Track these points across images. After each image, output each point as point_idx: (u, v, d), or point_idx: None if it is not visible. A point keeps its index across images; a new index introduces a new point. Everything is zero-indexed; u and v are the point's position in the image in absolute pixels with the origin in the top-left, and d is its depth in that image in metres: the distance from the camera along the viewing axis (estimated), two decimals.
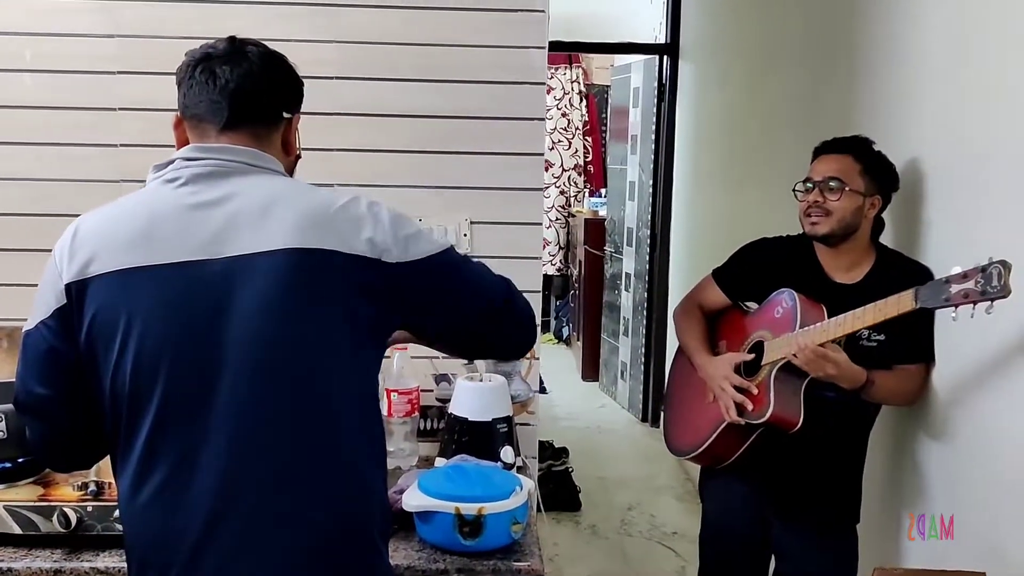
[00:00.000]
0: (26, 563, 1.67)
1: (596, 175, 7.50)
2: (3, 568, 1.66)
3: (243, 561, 1.32)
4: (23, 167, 2.23)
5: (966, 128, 2.04)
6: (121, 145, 2.19)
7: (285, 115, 1.47)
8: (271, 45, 1.50)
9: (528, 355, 2.28)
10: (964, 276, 1.72)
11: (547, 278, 7.62)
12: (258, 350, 1.31)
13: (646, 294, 5.48)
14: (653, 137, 5.38)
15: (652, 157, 5.40)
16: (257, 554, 1.32)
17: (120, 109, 2.21)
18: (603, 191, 6.94)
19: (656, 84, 5.33)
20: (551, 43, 5.77)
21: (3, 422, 1.76)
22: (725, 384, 2.15)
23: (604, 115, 7.46)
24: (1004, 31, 1.91)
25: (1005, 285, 1.65)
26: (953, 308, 1.75)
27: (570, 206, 7.43)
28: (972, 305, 1.71)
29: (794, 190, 2.20)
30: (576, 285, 6.90)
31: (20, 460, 1.79)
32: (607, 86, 7.10)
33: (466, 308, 1.48)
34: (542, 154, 2.28)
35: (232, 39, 1.45)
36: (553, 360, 7.02)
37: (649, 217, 5.44)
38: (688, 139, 5.02)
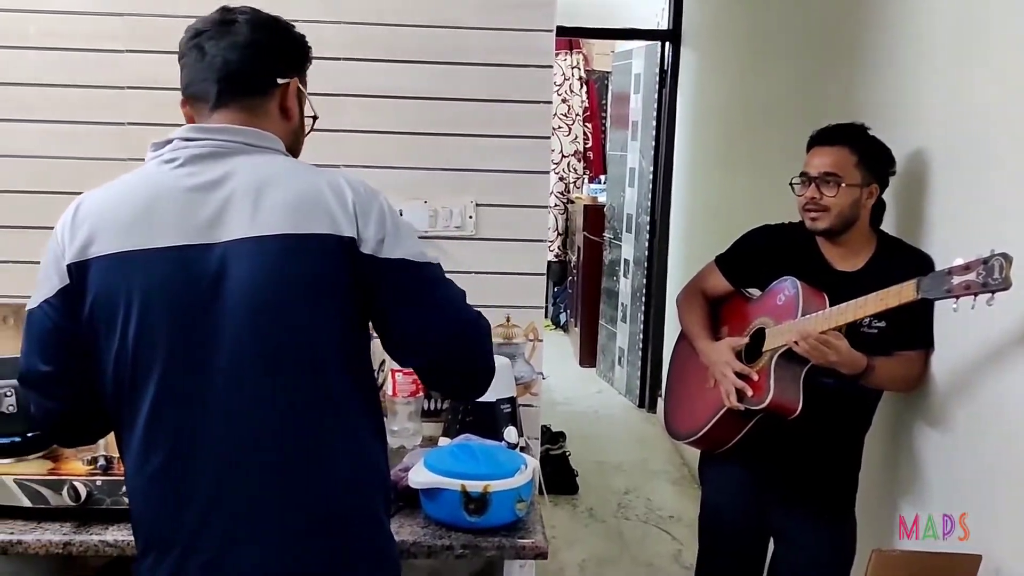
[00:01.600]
0: (36, 536, 1.69)
1: (595, 161, 7.51)
2: (13, 541, 1.68)
3: (244, 541, 1.33)
4: (27, 145, 2.24)
5: (969, 117, 2.06)
6: (128, 123, 2.20)
7: (279, 81, 1.43)
8: None
9: (531, 337, 2.30)
10: (966, 268, 1.74)
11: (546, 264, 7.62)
12: (252, 332, 1.32)
13: (644, 280, 5.50)
14: (654, 124, 5.38)
15: (653, 144, 5.40)
16: (258, 535, 1.34)
17: (126, 88, 2.22)
18: (602, 177, 6.95)
19: (657, 70, 5.32)
20: (556, 28, 5.75)
21: (12, 396, 1.77)
22: (726, 370, 2.17)
23: (604, 101, 7.47)
24: (1007, 19, 1.93)
25: (1006, 278, 1.66)
26: (954, 299, 1.76)
27: (569, 192, 7.44)
28: (973, 296, 1.73)
29: (791, 184, 2.21)
30: (574, 271, 6.91)
31: (29, 434, 1.80)
32: (608, 72, 7.10)
33: (431, 328, 1.42)
34: (548, 137, 2.30)
35: (223, 9, 1.43)
36: (550, 346, 6.97)
37: (649, 204, 5.45)
38: (689, 126, 5.03)
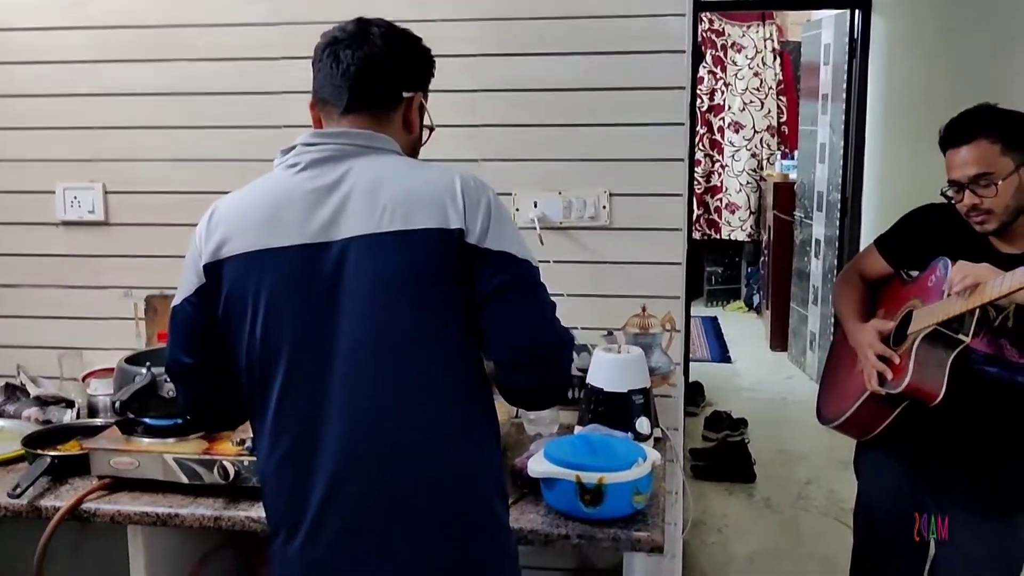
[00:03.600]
0: (191, 510, 1.86)
1: (791, 136, 7.22)
2: (172, 514, 1.86)
3: (362, 532, 1.41)
4: (198, 148, 2.44)
5: None
6: (285, 126, 2.34)
7: (405, 95, 1.51)
8: (416, 27, 1.55)
9: (669, 327, 2.28)
10: None
11: (738, 244, 7.45)
12: (369, 325, 1.39)
13: (836, 261, 5.26)
14: (844, 96, 5.12)
15: (843, 118, 5.15)
16: (374, 524, 1.41)
17: (284, 92, 2.36)
18: (795, 153, 6.68)
19: (847, 40, 5.06)
20: (736, 1, 5.60)
21: None
22: (868, 352, 2.07)
23: (800, 73, 7.16)
24: None
25: None
26: None
27: (762, 169, 7.21)
28: None
29: (942, 193, 2.05)
30: (766, 252, 6.70)
31: (189, 417, 1.97)
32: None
33: (520, 325, 1.44)
34: (683, 124, 2.24)
35: (359, 20, 1.52)
36: (741, 328, 6.89)
37: (840, 181, 5.20)
38: (880, 99, 4.76)
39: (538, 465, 1.82)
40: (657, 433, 2.13)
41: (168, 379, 1.90)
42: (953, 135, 2.03)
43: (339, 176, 1.44)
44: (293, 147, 1.49)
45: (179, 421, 1.97)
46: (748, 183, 7.21)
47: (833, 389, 2.33)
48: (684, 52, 2.21)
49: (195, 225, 1.51)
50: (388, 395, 1.41)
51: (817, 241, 5.57)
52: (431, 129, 1.61)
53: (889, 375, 2.01)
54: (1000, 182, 1.94)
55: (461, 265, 1.40)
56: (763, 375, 5.83)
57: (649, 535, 1.74)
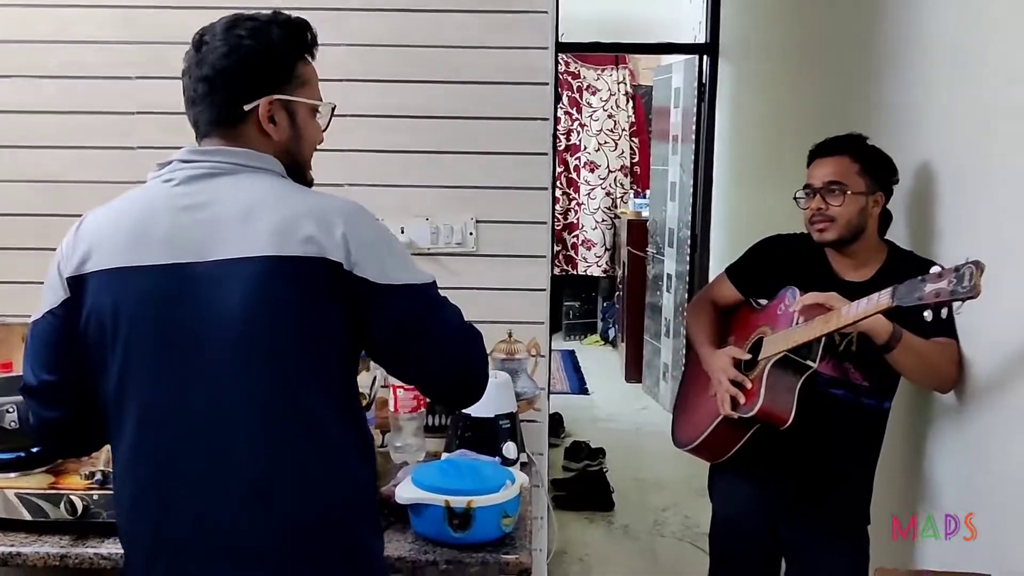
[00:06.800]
0: (34, 548, 1.74)
1: (643, 176, 7.47)
2: (12, 553, 1.73)
3: (223, 558, 1.36)
4: (43, 170, 2.33)
5: (973, 128, 2.01)
6: (138, 147, 2.26)
7: (245, 108, 1.42)
8: None
9: (534, 352, 2.31)
10: (939, 276, 1.70)
11: (594, 279, 7.62)
12: (232, 352, 1.34)
13: (686, 295, 5.45)
14: (693, 137, 5.35)
15: (692, 157, 5.37)
16: (238, 552, 1.36)
17: (138, 113, 2.29)
18: (648, 192, 6.92)
19: (696, 84, 5.30)
20: (592, 44, 5.76)
21: (14, 413, 1.84)
22: (721, 376, 2.15)
23: (651, 116, 7.44)
24: (1009, 32, 1.88)
25: (975, 286, 1.62)
26: (929, 308, 1.72)
27: (616, 208, 7.42)
28: (946, 305, 1.69)
29: (795, 198, 2.19)
30: (620, 287, 6.89)
31: (33, 449, 1.86)
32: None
33: (425, 348, 1.46)
34: (547, 153, 2.30)
35: (196, 39, 1.43)
36: (598, 361, 7.03)
37: (689, 218, 5.41)
38: (727, 139, 4.99)
39: (406, 491, 1.80)
40: (524, 458, 2.15)
41: (13, 408, 1.79)
42: (823, 148, 2.19)
43: (213, 195, 1.38)
44: (170, 162, 1.43)
45: (22, 454, 1.85)
46: (603, 220, 7.40)
47: (687, 413, 2.40)
48: (548, 84, 2.27)
49: (45, 249, 1.43)
50: (253, 423, 1.36)
51: (669, 276, 5.77)
52: (332, 109, 1.53)
53: (742, 400, 2.10)
54: (849, 194, 2.08)
55: (343, 297, 1.37)
56: (619, 406, 5.96)
57: (517, 558, 1.75)
